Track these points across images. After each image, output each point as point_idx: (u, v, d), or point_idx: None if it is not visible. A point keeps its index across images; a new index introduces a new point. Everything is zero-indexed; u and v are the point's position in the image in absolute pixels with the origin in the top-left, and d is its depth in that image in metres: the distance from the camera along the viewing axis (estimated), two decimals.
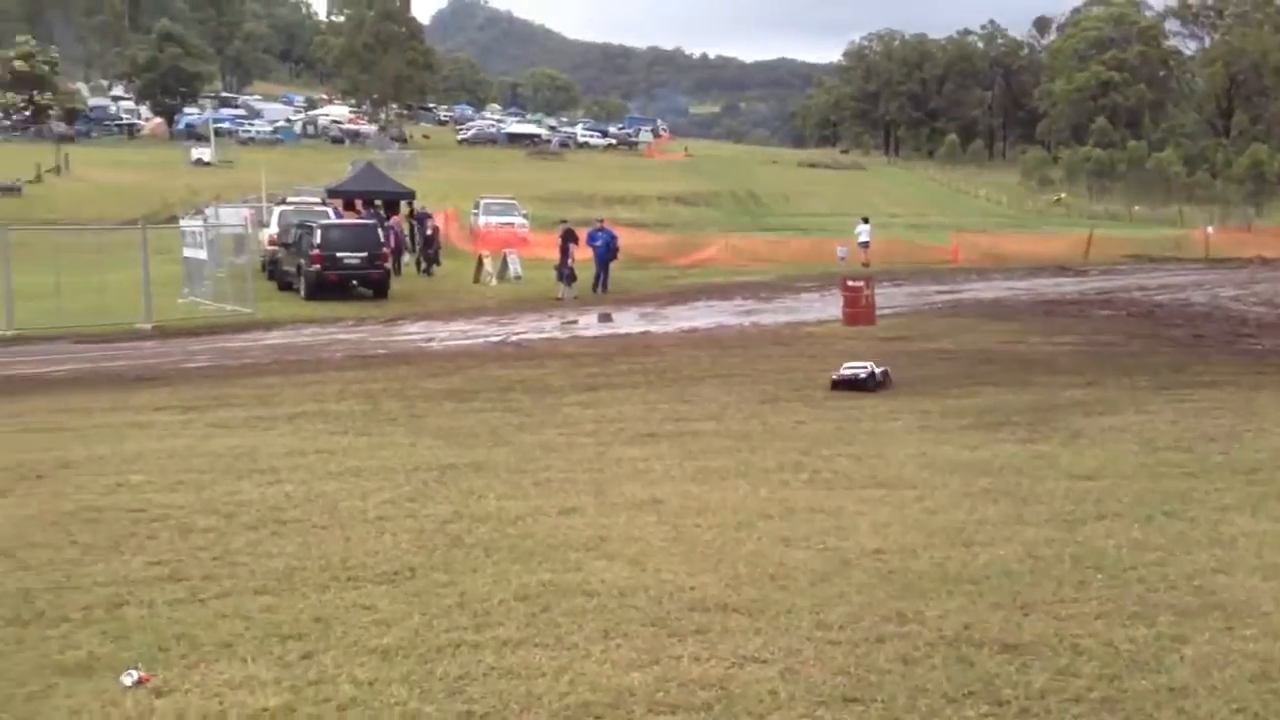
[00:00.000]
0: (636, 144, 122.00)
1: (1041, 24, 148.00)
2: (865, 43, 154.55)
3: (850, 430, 11.80)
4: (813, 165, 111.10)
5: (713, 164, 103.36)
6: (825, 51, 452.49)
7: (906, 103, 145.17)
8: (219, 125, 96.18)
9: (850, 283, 24.35)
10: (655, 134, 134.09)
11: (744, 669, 5.37)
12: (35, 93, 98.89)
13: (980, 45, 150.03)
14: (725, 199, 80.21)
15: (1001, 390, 14.58)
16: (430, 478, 9.56)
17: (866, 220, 44.69)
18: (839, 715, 4.93)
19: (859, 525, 7.90)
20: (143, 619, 6.17)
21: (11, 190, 62.93)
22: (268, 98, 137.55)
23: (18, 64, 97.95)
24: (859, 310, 23.27)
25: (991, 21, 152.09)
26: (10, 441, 11.80)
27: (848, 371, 14.57)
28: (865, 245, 42.68)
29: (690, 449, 10.78)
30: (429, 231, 37.20)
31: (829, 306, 26.21)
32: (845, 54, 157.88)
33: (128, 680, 5.28)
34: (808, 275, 37.30)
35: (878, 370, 14.61)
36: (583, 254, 32.84)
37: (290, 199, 38.72)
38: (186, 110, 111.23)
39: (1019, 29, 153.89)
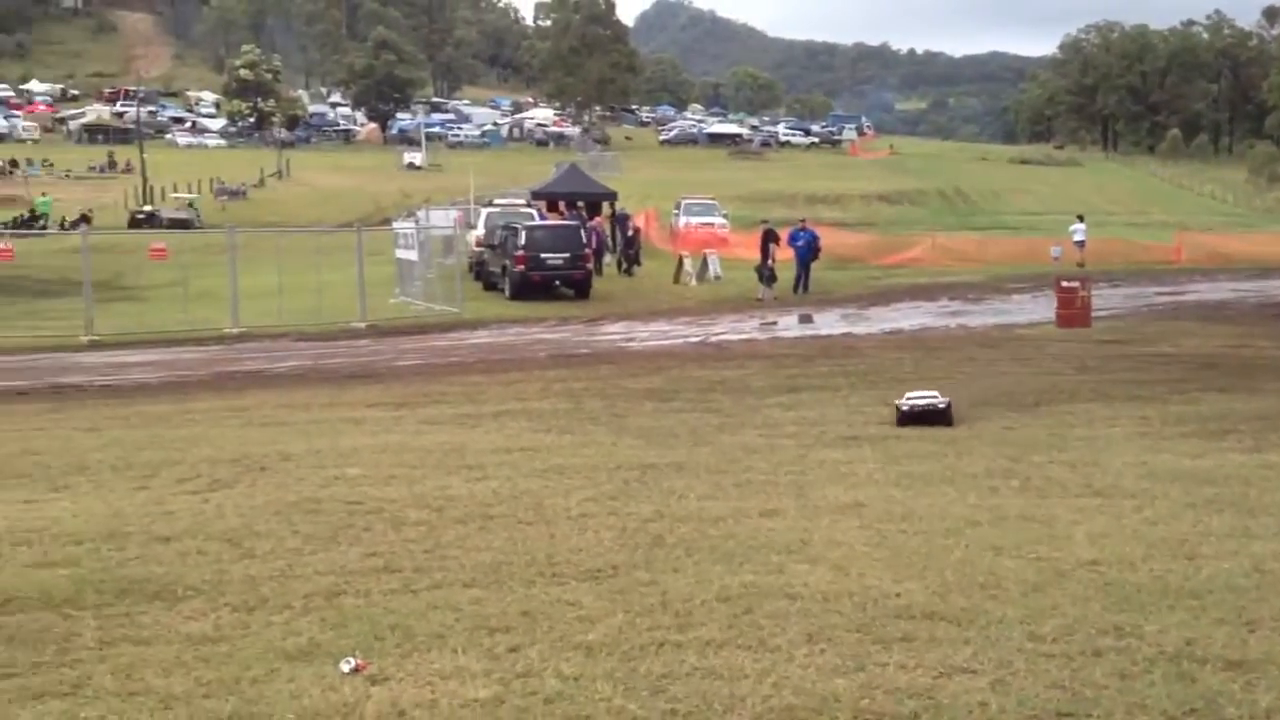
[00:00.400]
0: (840, 142, 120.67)
1: (1271, 14, 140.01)
2: (1082, 35, 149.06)
3: (1064, 436, 11.38)
4: (1025, 161, 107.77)
5: (919, 161, 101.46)
6: (1039, 44, 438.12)
7: (1126, 96, 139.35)
8: (430, 130, 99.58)
9: (1065, 283, 23.54)
10: (859, 131, 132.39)
11: (952, 679, 5.23)
12: (259, 100, 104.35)
13: (1205, 36, 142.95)
14: (931, 197, 78.54)
15: (1226, 396, 13.85)
16: (632, 477, 9.64)
17: (1082, 218, 43.08)
18: None
19: (1073, 535, 7.60)
20: (359, 608, 6.39)
21: (238, 194, 66.56)
22: (476, 102, 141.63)
23: (243, 72, 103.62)
24: (1073, 312, 22.48)
25: (1217, 12, 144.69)
26: (236, 435, 12.43)
27: (920, 402, 12.31)
28: (1081, 244, 41.16)
29: (894, 453, 10.58)
30: (630, 232, 37.59)
31: (1041, 308, 25.40)
32: (1061, 46, 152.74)
33: (345, 667, 5.47)
34: (1019, 276, 36.19)
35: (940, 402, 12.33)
36: (784, 254, 32.65)
37: (496, 201, 39.69)
38: (400, 116, 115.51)
39: (1247, 19, 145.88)
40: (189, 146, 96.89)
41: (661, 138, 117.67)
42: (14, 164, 76.79)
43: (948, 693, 5.08)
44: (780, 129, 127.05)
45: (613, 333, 24.30)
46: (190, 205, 56.87)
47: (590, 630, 5.95)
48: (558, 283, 30.86)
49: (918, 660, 5.45)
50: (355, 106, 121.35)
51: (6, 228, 45.20)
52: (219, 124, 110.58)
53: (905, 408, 12.13)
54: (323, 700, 5.12)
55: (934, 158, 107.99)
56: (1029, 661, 5.42)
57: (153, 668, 5.52)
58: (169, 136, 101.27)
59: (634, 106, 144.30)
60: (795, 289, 31.83)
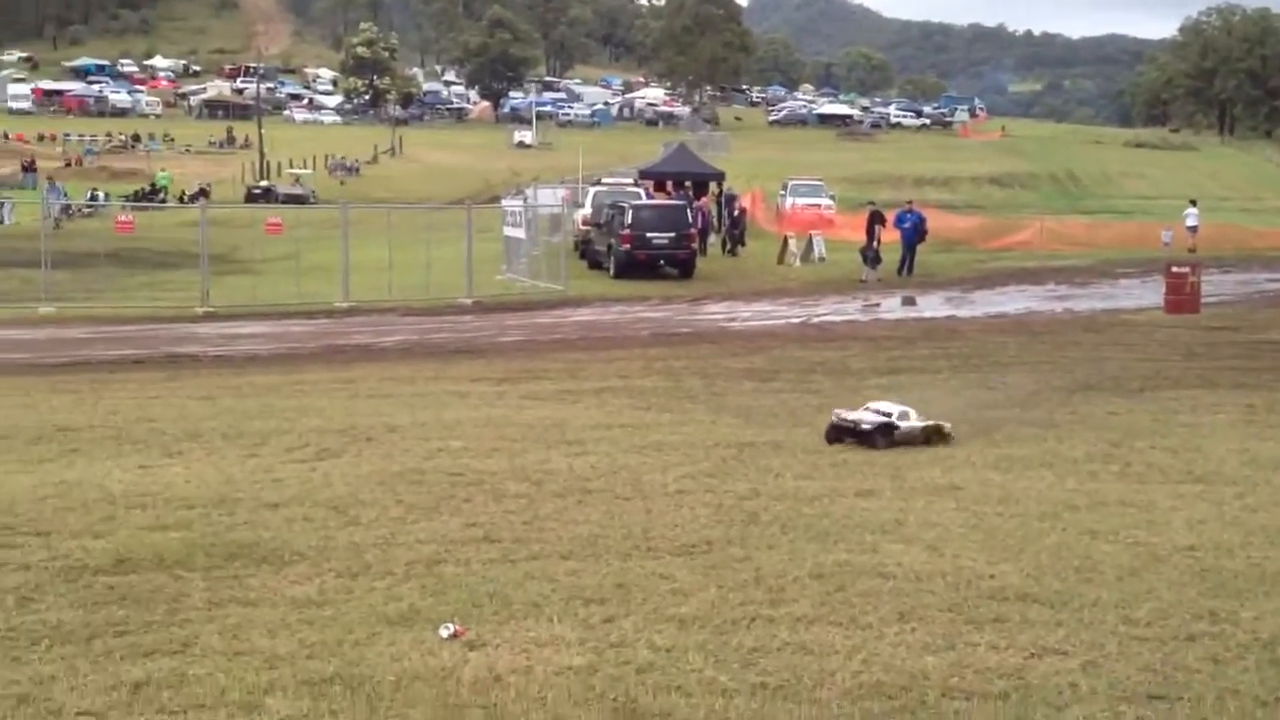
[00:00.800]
0: (951, 124, 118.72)
1: None
2: (1203, 17, 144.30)
3: (1167, 422, 11.17)
4: (1139, 145, 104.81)
5: (1031, 144, 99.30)
6: (1158, 26, 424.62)
7: (1245, 80, 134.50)
8: (541, 108, 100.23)
9: (1175, 268, 22.99)
10: (971, 113, 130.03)
11: (1043, 660, 5.21)
12: (375, 77, 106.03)
13: None
14: (1042, 180, 76.84)
15: None
16: (729, 455, 9.69)
17: (1194, 203, 41.90)
18: (1142, 712, 4.72)
19: (1172, 521, 7.49)
20: (459, 576, 6.55)
21: (351, 170, 67.78)
22: (587, 81, 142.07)
23: (360, 50, 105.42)
24: (1183, 298, 21.96)
25: None
26: (344, 406, 12.74)
27: (850, 416, 10.32)
28: (1193, 230, 40.02)
29: (993, 436, 10.48)
30: (735, 212, 37.47)
31: (1149, 293, 24.81)
32: (1181, 29, 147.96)
33: (444, 633, 5.62)
34: (1128, 260, 35.33)
35: (904, 422, 10.15)
36: (889, 236, 32.29)
37: (604, 180, 39.84)
38: (512, 94, 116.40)
39: None
40: (306, 123, 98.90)
41: (771, 118, 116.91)
42: (136, 138, 79.15)
43: (1038, 673, 5.07)
44: (891, 110, 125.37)
45: (715, 312, 24.30)
46: (297, 180, 57.92)
47: (683, 603, 6.03)
48: (662, 262, 30.89)
49: (1009, 641, 5.43)
50: (469, 85, 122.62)
51: (128, 200, 46.64)
52: (335, 101, 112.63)
53: (835, 419, 10.30)
54: (422, 664, 5.27)
55: (1047, 140, 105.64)
56: (1121, 645, 5.38)
57: (258, 629, 5.72)
58: (286, 113, 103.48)
59: (745, 86, 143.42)
60: (900, 271, 31.49)
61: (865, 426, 10.02)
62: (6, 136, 76.29)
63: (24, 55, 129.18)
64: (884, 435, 9.96)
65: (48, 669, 5.21)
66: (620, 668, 5.21)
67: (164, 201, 49.88)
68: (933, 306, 24.30)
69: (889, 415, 10.17)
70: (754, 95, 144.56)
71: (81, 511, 7.83)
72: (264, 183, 58.97)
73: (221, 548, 7.02)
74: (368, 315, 23.95)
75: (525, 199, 36.31)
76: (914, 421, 10.18)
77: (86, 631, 5.67)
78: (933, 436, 10.13)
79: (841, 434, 10.12)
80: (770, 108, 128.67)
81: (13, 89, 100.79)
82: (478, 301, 25.93)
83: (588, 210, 34.68)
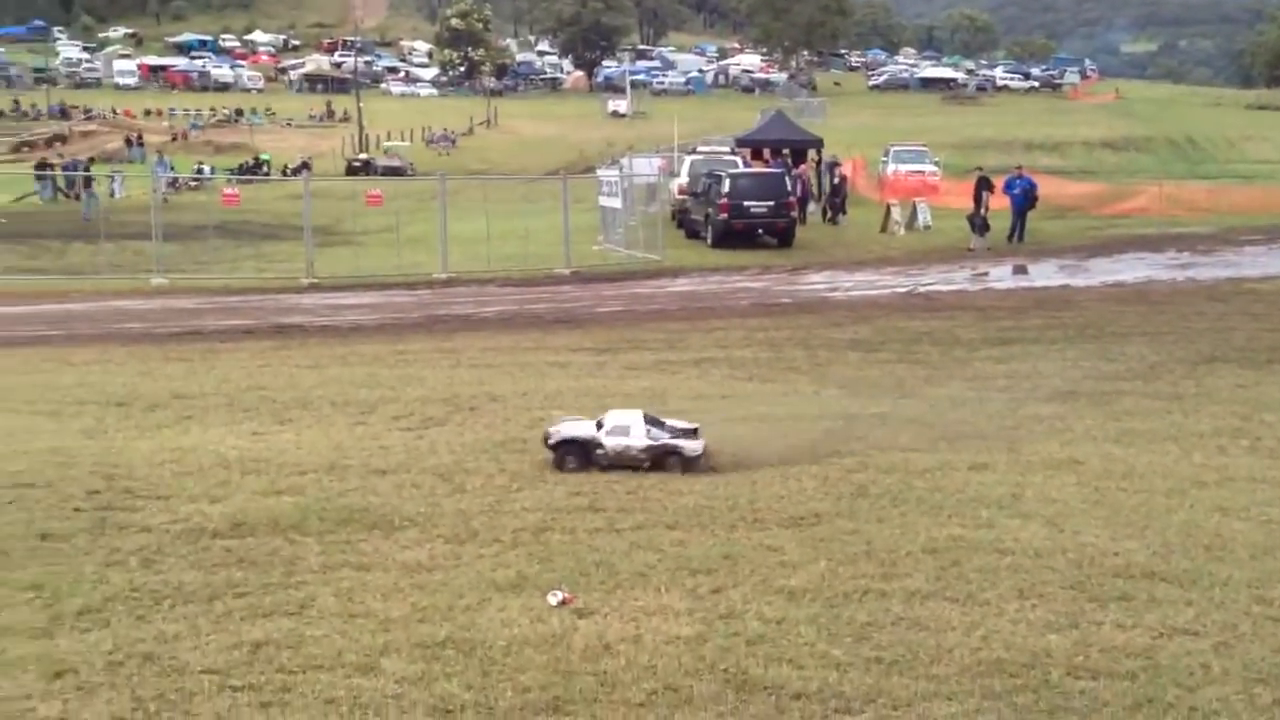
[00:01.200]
0: (1061, 86, 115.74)
1: None
2: None
3: None
4: (1262, 107, 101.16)
5: (1146, 106, 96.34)
6: None
7: None
8: (635, 77, 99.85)
9: None
10: (1082, 75, 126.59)
11: (1173, 640, 5.03)
12: (470, 49, 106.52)
13: None
14: (1159, 144, 74.56)
15: None
16: (835, 426, 9.54)
17: None
18: (1278, 693, 4.52)
19: None
20: (565, 544, 6.55)
21: (448, 142, 68.31)
22: (681, 49, 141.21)
23: (455, 22, 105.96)
24: None
25: None
26: (446, 376, 12.82)
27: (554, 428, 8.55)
28: None
29: (1113, 409, 10.17)
30: (836, 180, 36.98)
31: (1276, 261, 23.99)
32: None
33: (553, 600, 5.63)
34: (1253, 227, 34.09)
35: (617, 439, 8.27)
36: (998, 203, 31.58)
37: (700, 149, 39.55)
38: (605, 63, 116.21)
39: None
40: (403, 95, 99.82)
41: (871, 83, 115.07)
42: (239, 113, 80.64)
43: (1168, 653, 4.89)
44: (997, 73, 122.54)
45: (816, 282, 24.00)
46: (386, 154, 58.37)
47: (792, 575, 5.94)
48: (761, 231, 30.58)
49: (1136, 620, 5.25)
50: (562, 54, 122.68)
51: (232, 174, 47.52)
52: (431, 73, 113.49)
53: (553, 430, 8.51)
54: (531, 630, 5.28)
55: (1163, 103, 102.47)
56: (1255, 625, 5.17)
57: (372, 593, 5.79)
58: (383, 86, 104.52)
59: (843, 51, 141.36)
60: (1010, 238, 30.77)
61: (551, 441, 8.38)
62: (115, 112, 78.12)
63: (129, 31, 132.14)
64: (575, 455, 8.25)
65: (171, 628, 5.35)
66: (730, 639, 5.16)
67: (267, 175, 50.77)
68: (1045, 275, 23.68)
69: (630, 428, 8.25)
70: (853, 60, 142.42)
71: (198, 476, 7.99)
72: (363, 156, 59.69)
73: (334, 513, 7.12)
74: (467, 286, 24.08)
75: (621, 169, 36.22)
76: (638, 439, 8.21)
77: (207, 592, 5.80)
78: (667, 459, 8.18)
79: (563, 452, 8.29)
80: (870, 72, 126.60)
81: (119, 65, 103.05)
82: (575, 272, 25.93)
83: (684, 179, 34.47)
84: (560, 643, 5.13)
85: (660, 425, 8.36)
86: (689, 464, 8.18)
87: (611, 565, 6.15)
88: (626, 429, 8.25)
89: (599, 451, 8.20)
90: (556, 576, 5.98)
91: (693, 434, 8.39)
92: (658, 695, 4.65)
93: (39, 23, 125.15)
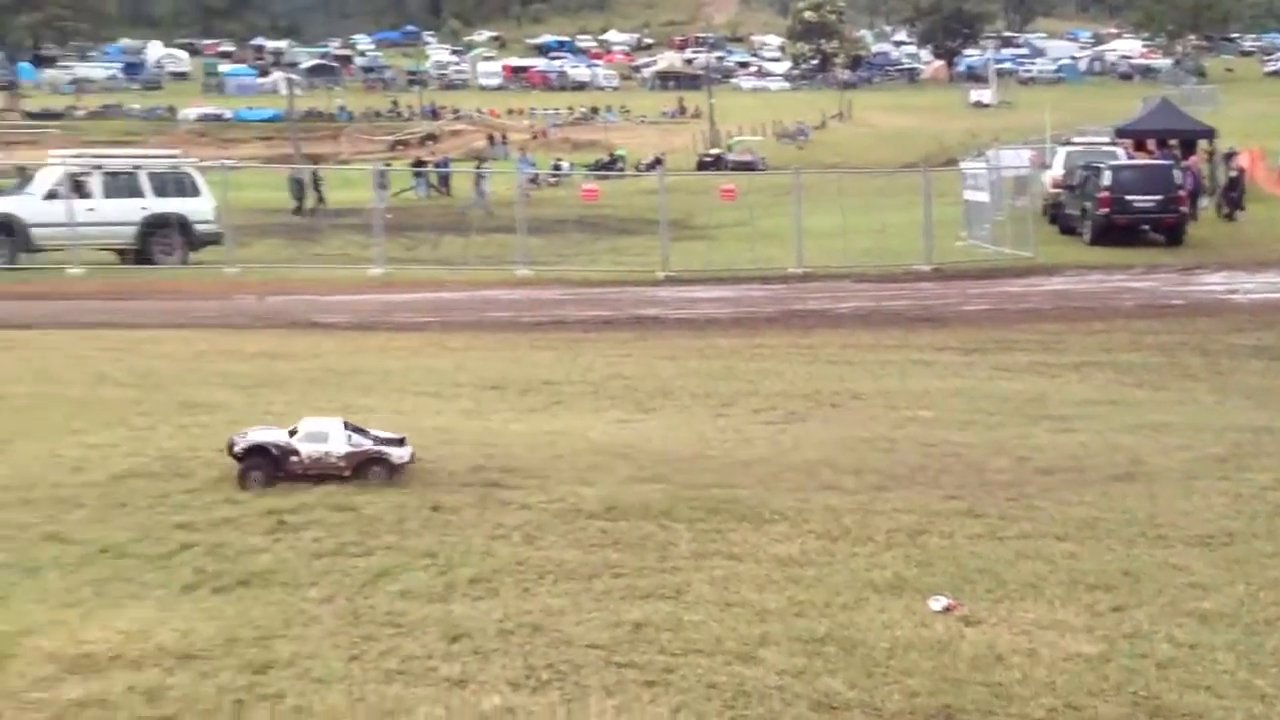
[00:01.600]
0: None
1: None
2: None
3: None
4: None
5: None
6: None
7: None
8: (1000, 66, 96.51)
9: None
10: None
11: None
12: (822, 41, 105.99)
13: None
14: None
15: None
16: (1244, 440, 8.74)
17: None
18: None
19: None
20: (943, 549, 6.27)
21: (799, 136, 68.27)
22: (1051, 35, 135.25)
23: (807, 14, 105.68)
24: None
25: None
26: (804, 371, 12.66)
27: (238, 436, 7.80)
28: None
29: None
30: (1233, 173, 34.24)
31: None
32: None
33: (936, 605, 5.38)
34: None
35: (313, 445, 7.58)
36: None
37: (1075, 140, 37.57)
38: (967, 52, 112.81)
39: None
40: (753, 90, 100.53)
41: (1267, 69, 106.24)
42: (594, 111, 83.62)
43: None
44: None
45: (1211, 283, 22.21)
46: (729, 149, 58.74)
47: (1205, 598, 5.46)
48: (1145, 227, 28.63)
49: None
50: (920, 44, 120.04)
51: (590, 170, 49.26)
52: (782, 67, 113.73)
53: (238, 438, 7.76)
54: (915, 634, 5.07)
55: None
56: None
57: (746, 583, 5.74)
58: (734, 81, 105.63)
59: (1235, 35, 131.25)
60: None
61: (237, 449, 7.57)
62: (480, 111, 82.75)
63: (493, 35, 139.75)
64: (263, 466, 7.50)
65: (555, 602, 5.50)
66: (1137, 660, 4.79)
67: (622, 171, 52.38)
68: None
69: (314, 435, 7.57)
70: (1247, 44, 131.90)
71: (570, 459, 8.20)
72: (714, 151, 60.52)
73: (702, 501, 7.11)
74: (822, 281, 23.83)
75: (987, 161, 34.93)
76: (338, 446, 7.55)
77: (586, 570, 5.93)
78: (370, 468, 7.55)
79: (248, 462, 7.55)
80: (1266, 57, 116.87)
81: (483, 67, 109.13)
82: (937, 268, 25.16)
83: (1058, 171, 32.85)
84: (947, 649, 4.91)
85: (363, 433, 7.74)
86: (395, 472, 7.59)
87: (997, 574, 5.83)
88: (325, 435, 7.61)
89: (294, 459, 7.52)
90: (937, 581, 5.73)
91: (399, 442, 7.74)
92: (1058, 713, 4.36)
93: (411, 28, 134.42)
